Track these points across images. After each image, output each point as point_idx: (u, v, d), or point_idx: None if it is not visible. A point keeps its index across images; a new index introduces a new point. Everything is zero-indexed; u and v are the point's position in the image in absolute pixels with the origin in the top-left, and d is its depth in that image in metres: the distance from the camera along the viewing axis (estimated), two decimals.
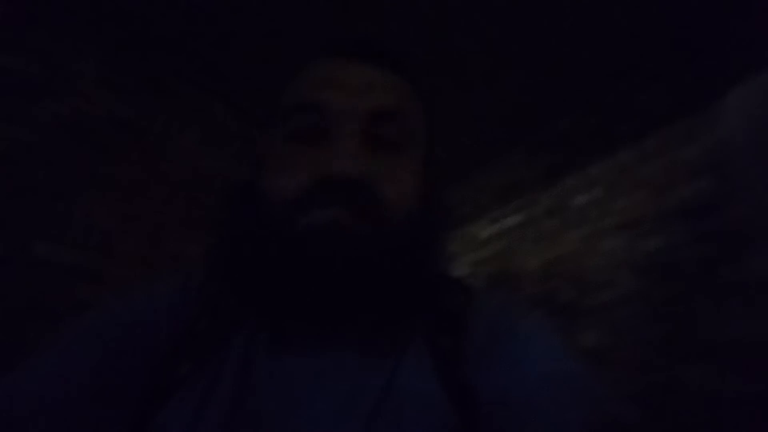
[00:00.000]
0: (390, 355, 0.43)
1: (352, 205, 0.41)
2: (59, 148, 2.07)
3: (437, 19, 2.23)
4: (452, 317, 0.47)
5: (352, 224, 0.40)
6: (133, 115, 2.37)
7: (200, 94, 2.69)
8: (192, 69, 2.60)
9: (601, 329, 2.45)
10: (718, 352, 1.96)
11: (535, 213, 3.12)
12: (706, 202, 2.23)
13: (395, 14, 2.19)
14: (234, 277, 0.45)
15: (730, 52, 2.18)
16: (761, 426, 1.74)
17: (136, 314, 0.45)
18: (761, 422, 1.74)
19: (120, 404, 0.39)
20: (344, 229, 0.40)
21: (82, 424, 0.37)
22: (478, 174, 3.43)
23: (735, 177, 2.12)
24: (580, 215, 2.82)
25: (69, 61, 2.20)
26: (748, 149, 2.08)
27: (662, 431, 1.98)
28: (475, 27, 2.27)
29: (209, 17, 2.32)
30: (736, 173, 2.12)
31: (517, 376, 0.41)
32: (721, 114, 2.23)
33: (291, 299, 0.41)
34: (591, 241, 2.71)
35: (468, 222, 3.50)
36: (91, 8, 2.26)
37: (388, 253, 0.41)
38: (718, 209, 2.16)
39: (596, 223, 2.72)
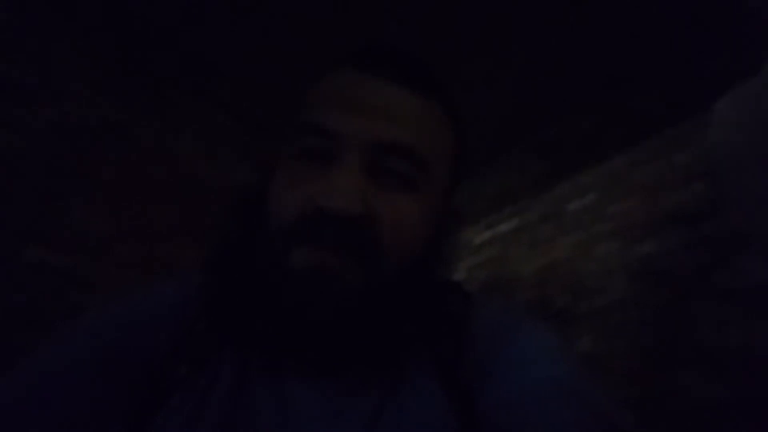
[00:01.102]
0: (389, 366, 0.43)
1: (344, 245, 0.38)
2: (54, 152, 2.06)
3: (433, 21, 2.24)
4: (453, 323, 0.47)
5: (340, 268, 0.38)
6: (128, 120, 2.36)
7: (196, 98, 2.68)
8: (188, 73, 2.59)
9: (595, 335, 2.45)
10: (713, 357, 1.97)
11: (529, 219, 3.13)
12: (700, 207, 2.24)
13: (394, 14, 2.19)
14: (225, 295, 0.44)
15: (722, 58, 2.20)
16: (757, 431, 1.75)
17: (135, 315, 0.44)
18: (757, 427, 1.74)
19: (119, 404, 0.39)
20: (331, 274, 0.38)
21: (81, 424, 0.36)
22: (472, 179, 3.44)
23: (728, 182, 2.14)
24: (574, 221, 2.84)
25: (63, 65, 2.18)
26: (741, 153, 2.10)
27: None
28: (471, 31, 2.29)
29: (206, 20, 2.32)
30: (729, 178, 2.14)
31: (517, 381, 0.41)
32: (713, 119, 2.25)
33: (277, 335, 0.40)
34: (585, 247, 2.72)
35: (462, 227, 3.50)
36: (86, 12, 2.26)
37: (378, 301, 0.39)
38: (712, 214, 2.18)
39: (590, 228, 2.73)
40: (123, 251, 2.14)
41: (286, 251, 0.39)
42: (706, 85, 2.29)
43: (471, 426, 0.40)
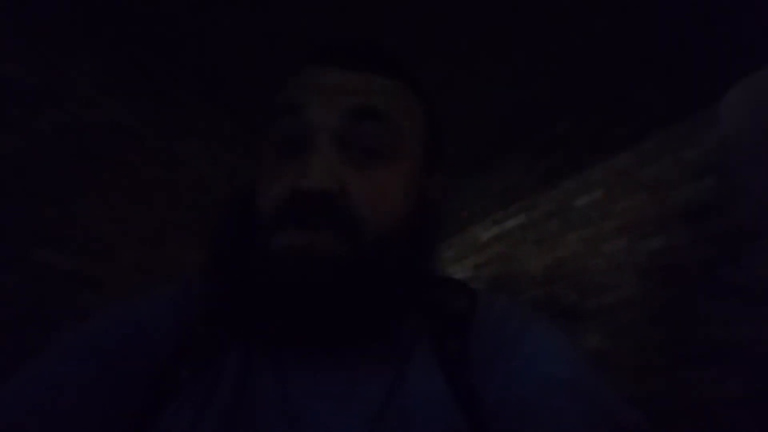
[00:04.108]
0: (393, 359, 0.43)
1: (325, 223, 0.39)
2: (60, 155, 2.07)
3: (435, 19, 2.23)
4: (458, 321, 0.47)
5: (320, 243, 0.39)
6: (133, 122, 2.37)
7: (201, 100, 2.69)
8: (192, 75, 2.60)
9: (603, 332, 2.44)
10: (722, 354, 1.96)
11: (535, 215, 3.12)
12: (707, 203, 2.23)
13: (394, 15, 2.19)
14: (222, 290, 0.45)
15: (728, 53, 2.18)
16: (763, 428, 1.74)
17: (136, 319, 0.44)
18: (763, 424, 1.73)
19: (120, 408, 0.39)
20: (314, 253, 0.38)
21: (85, 426, 0.36)
22: (479, 177, 3.43)
23: (735, 177, 2.12)
24: (581, 217, 2.82)
25: (68, 68, 2.19)
26: (748, 148, 2.08)
27: None
28: (475, 29, 2.28)
29: (209, 23, 2.33)
30: (736, 173, 2.12)
31: (523, 379, 0.41)
32: (721, 113, 2.23)
33: (271, 320, 0.41)
34: (592, 244, 2.70)
35: (469, 225, 3.50)
36: (91, 15, 2.27)
37: (363, 274, 0.39)
38: (719, 210, 2.16)
39: (597, 225, 2.72)
40: (128, 253, 2.15)
41: (268, 237, 0.40)
42: (713, 80, 2.27)
43: (478, 424, 0.40)
